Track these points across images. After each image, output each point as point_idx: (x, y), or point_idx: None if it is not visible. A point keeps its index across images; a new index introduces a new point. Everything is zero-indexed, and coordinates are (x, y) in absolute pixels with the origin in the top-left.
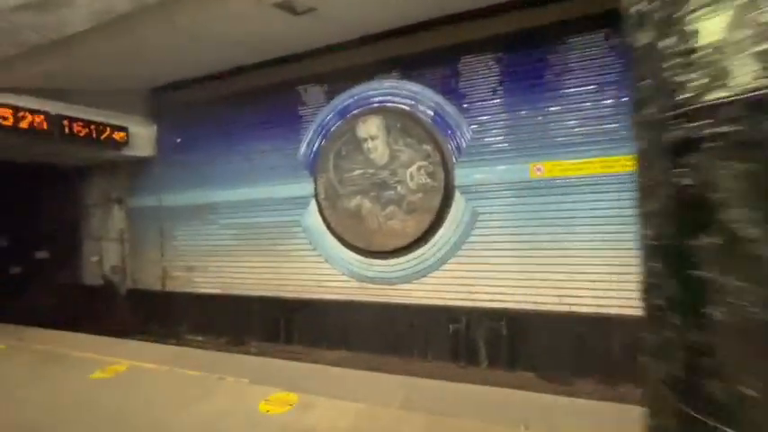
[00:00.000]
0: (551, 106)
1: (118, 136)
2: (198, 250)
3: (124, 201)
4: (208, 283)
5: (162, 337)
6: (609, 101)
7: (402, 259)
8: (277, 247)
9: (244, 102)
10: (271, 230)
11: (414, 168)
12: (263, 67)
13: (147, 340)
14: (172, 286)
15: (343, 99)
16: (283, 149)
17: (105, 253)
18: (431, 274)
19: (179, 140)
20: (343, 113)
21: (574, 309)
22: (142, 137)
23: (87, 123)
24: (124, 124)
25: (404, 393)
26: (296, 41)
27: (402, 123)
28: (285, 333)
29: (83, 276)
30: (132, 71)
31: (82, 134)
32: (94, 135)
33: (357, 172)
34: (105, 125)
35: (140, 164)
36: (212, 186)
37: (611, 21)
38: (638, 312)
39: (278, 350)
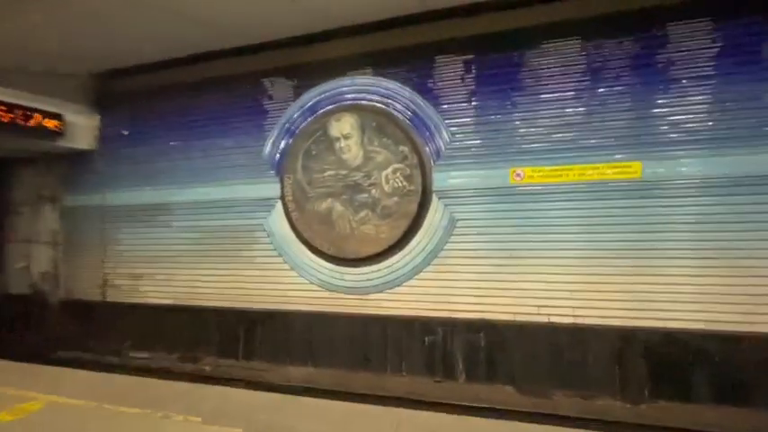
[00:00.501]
0: (531, 110)
1: (50, 124)
2: (146, 256)
3: (58, 199)
4: (157, 292)
5: (100, 356)
6: (586, 108)
7: (375, 267)
8: (238, 253)
9: (203, 93)
10: (231, 235)
11: (389, 171)
12: (225, 55)
13: (80, 359)
14: (114, 296)
15: (313, 95)
16: (247, 146)
17: (34, 258)
18: (406, 284)
19: (126, 133)
20: (313, 110)
21: (553, 319)
22: (82, 127)
23: (11, 107)
24: (59, 111)
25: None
26: (265, 29)
27: (378, 122)
28: (245, 348)
29: (7, 285)
30: (72, 50)
31: (4, 120)
32: (20, 121)
33: (328, 173)
34: (34, 110)
35: (79, 158)
36: (165, 185)
37: (591, 27)
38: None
39: (237, 367)
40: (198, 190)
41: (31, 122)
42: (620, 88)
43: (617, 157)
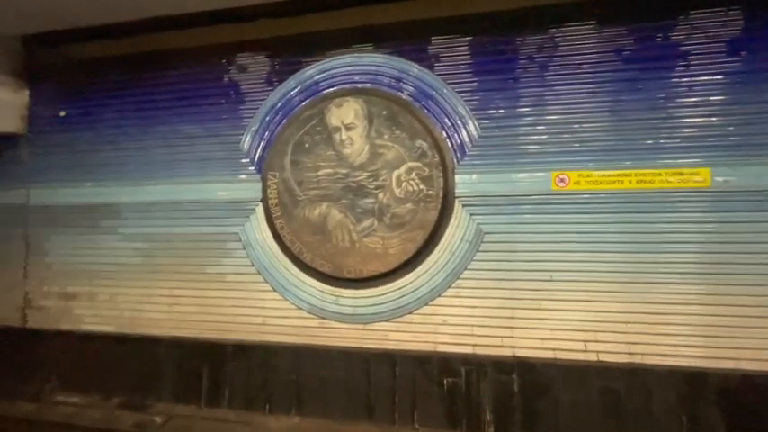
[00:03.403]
0: (580, 102)
1: None
2: (83, 270)
3: None
4: (95, 316)
5: (9, 401)
6: (647, 102)
7: (381, 289)
8: (204, 268)
9: (165, 67)
10: (196, 246)
11: (402, 171)
12: (195, 21)
13: None
14: (37, 321)
15: (309, 74)
16: (220, 135)
17: None
18: (419, 311)
19: (63, 114)
20: (308, 92)
21: (603, 357)
22: (3, 104)
23: None
24: None
25: None
26: None
27: (390, 111)
28: (210, 390)
29: None
30: None
31: None
32: None
33: (324, 171)
34: None
35: (1, 143)
36: (111, 181)
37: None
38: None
39: (197, 417)
40: (154, 188)
41: None
42: (687, 80)
43: (682, 162)
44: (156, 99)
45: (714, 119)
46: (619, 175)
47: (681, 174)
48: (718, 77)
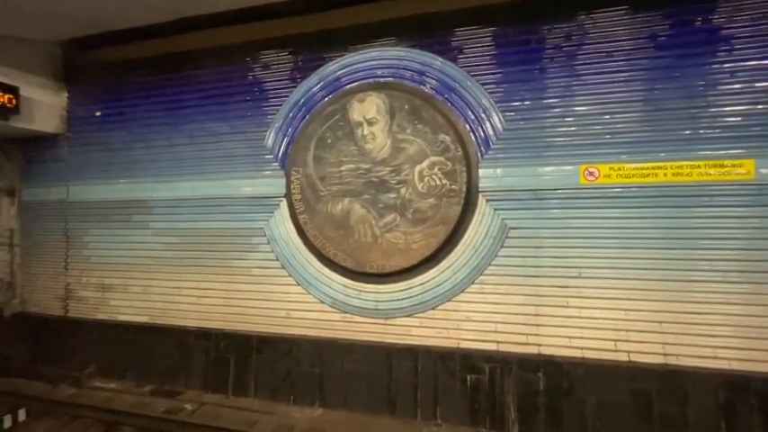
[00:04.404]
0: (611, 92)
1: (2, 98)
2: (118, 263)
3: (17, 192)
4: (130, 308)
5: (53, 385)
6: (683, 90)
7: (403, 285)
8: (231, 262)
9: (193, 67)
10: (223, 240)
11: (425, 165)
12: (221, 20)
13: (22, 391)
14: (77, 311)
15: (331, 69)
16: (245, 132)
17: None
18: (442, 306)
19: (99, 113)
20: (330, 88)
21: (635, 358)
22: (44, 105)
23: None
24: (13, 83)
25: None
26: None
27: (412, 105)
28: (236, 381)
29: None
30: (34, 9)
31: None
32: None
33: (347, 167)
34: None
35: (41, 142)
36: (144, 177)
37: None
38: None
39: (225, 406)
40: (182, 184)
41: None
42: (729, 65)
43: (723, 153)
44: (185, 98)
45: (760, 106)
46: (653, 168)
47: (722, 165)
48: (764, 62)
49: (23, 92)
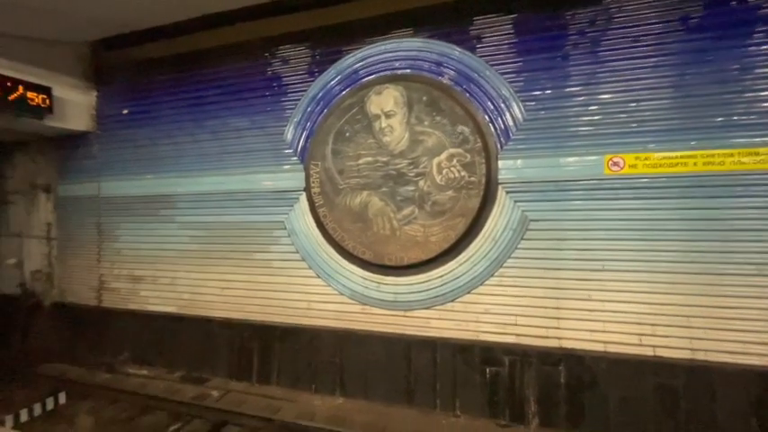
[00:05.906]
0: (636, 78)
1: (36, 98)
2: (147, 255)
3: (53, 188)
4: (159, 298)
5: (89, 371)
6: (714, 74)
7: (422, 277)
8: (253, 255)
9: (214, 63)
10: (245, 233)
11: (443, 157)
12: (242, 17)
13: (64, 376)
14: (110, 301)
15: (348, 63)
16: (265, 127)
17: (26, 254)
18: (461, 299)
19: (126, 111)
20: (348, 81)
21: (660, 353)
22: (76, 104)
23: None
24: (46, 83)
25: None
26: None
27: (430, 96)
28: (260, 369)
29: None
30: (65, 11)
31: None
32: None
33: (365, 160)
34: (18, 82)
35: (74, 141)
36: (170, 173)
37: None
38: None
39: (250, 394)
40: (206, 179)
41: (13, 96)
42: (766, 47)
43: (759, 140)
44: (207, 94)
45: None
46: (682, 157)
47: (757, 154)
48: None
49: (56, 92)
